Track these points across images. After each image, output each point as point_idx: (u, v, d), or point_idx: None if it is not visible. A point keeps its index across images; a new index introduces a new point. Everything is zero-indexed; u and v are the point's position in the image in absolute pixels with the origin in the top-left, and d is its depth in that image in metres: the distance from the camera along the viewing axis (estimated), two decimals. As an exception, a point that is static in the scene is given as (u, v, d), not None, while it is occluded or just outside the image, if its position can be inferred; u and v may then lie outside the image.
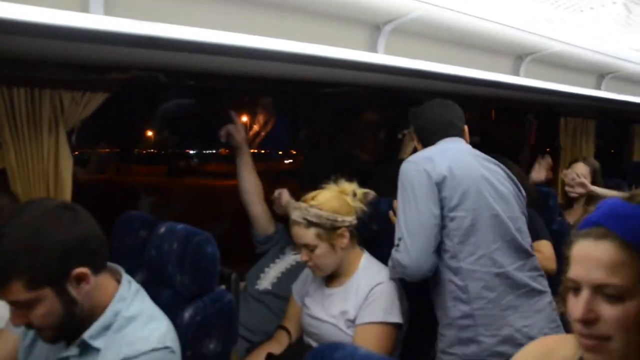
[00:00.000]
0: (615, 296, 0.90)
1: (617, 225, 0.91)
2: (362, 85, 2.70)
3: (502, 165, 2.08)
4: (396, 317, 1.92)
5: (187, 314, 1.57)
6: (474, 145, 2.15)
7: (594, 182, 3.26)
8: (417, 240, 1.83)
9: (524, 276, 1.90)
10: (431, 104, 2.16)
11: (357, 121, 3.66)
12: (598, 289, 0.91)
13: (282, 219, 2.55)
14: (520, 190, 2.06)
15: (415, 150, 2.19)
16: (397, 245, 1.87)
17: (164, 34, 1.45)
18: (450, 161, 1.91)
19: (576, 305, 0.93)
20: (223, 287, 1.78)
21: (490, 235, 1.88)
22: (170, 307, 1.61)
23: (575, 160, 3.46)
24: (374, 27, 2.27)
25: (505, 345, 1.81)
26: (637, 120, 5.65)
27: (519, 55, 3.04)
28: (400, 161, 2.00)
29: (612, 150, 6.14)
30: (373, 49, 2.28)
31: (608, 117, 5.18)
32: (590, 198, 3.18)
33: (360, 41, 2.26)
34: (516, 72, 3.06)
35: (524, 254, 1.94)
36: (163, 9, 1.57)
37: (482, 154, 2.07)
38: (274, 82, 2.49)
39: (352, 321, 1.95)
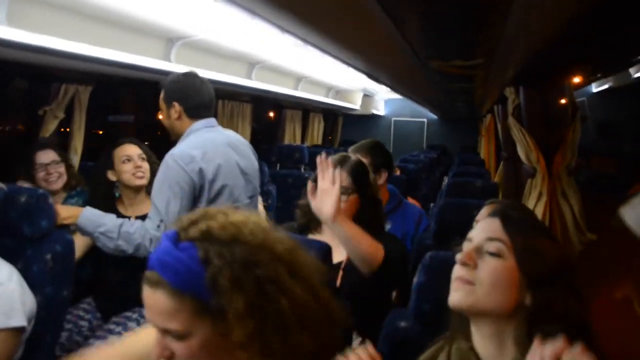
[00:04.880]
0: (178, 336, 0.94)
1: (167, 274, 0.93)
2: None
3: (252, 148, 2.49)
4: (18, 320, 1.76)
5: None
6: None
7: None
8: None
9: None
10: (197, 80, 2.30)
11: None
12: (165, 333, 0.95)
13: None
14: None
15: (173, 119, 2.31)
16: (158, 227, 2.11)
17: None
18: (209, 157, 2.19)
19: None
20: None
21: None
22: None
23: None
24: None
25: None
26: (288, 106, 6.36)
27: (170, 39, 3.08)
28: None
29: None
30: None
31: (263, 102, 5.68)
32: None
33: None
34: (167, 57, 3.10)
35: None
36: None
37: (236, 139, 2.40)
38: None
39: None
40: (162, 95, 2.32)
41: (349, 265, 1.85)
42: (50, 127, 3.14)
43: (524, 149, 2.62)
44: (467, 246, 1.13)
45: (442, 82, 2.94)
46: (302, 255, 1.01)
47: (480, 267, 1.09)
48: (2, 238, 1.99)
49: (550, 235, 1.18)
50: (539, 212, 2.55)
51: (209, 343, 0.94)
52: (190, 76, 2.30)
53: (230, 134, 2.40)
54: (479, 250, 1.11)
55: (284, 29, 1.99)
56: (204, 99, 2.29)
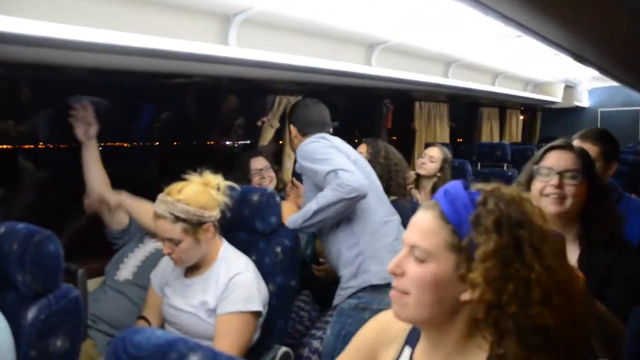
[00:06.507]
0: (420, 258, 1.01)
1: (443, 200, 1.03)
2: (216, 76, 2.71)
3: None
4: (256, 305, 1.98)
5: (31, 314, 1.52)
6: (334, 129, 2.51)
7: (443, 167, 3.59)
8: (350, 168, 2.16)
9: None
10: (308, 103, 2.53)
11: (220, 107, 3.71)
12: (411, 249, 1.02)
13: None
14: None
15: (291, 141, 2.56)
16: (336, 173, 2.13)
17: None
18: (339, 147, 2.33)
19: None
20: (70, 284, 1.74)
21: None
22: (14, 307, 1.58)
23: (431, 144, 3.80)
24: (224, 18, 2.30)
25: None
26: (485, 104, 6.16)
27: (370, 45, 3.20)
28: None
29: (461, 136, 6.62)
30: (224, 40, 2.31)
31: (459, 101, 5.60)
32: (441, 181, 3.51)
33: (211, 33, 2.28)
34: (368, 62, 3.23)
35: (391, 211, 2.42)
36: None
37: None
38: (120, 73, 2.43)
39: (213, 310, 1.99)
40: None
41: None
42: (267, 135, 3.44)
43: None
44: None
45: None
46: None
47: None
48: (238, 232, 2.24)
49: None
50: None
51: (441, 276, 0.99)
52: (302, 102, 2.57)
53: None
54: None
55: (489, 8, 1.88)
56: (313, 117, 2.47)
